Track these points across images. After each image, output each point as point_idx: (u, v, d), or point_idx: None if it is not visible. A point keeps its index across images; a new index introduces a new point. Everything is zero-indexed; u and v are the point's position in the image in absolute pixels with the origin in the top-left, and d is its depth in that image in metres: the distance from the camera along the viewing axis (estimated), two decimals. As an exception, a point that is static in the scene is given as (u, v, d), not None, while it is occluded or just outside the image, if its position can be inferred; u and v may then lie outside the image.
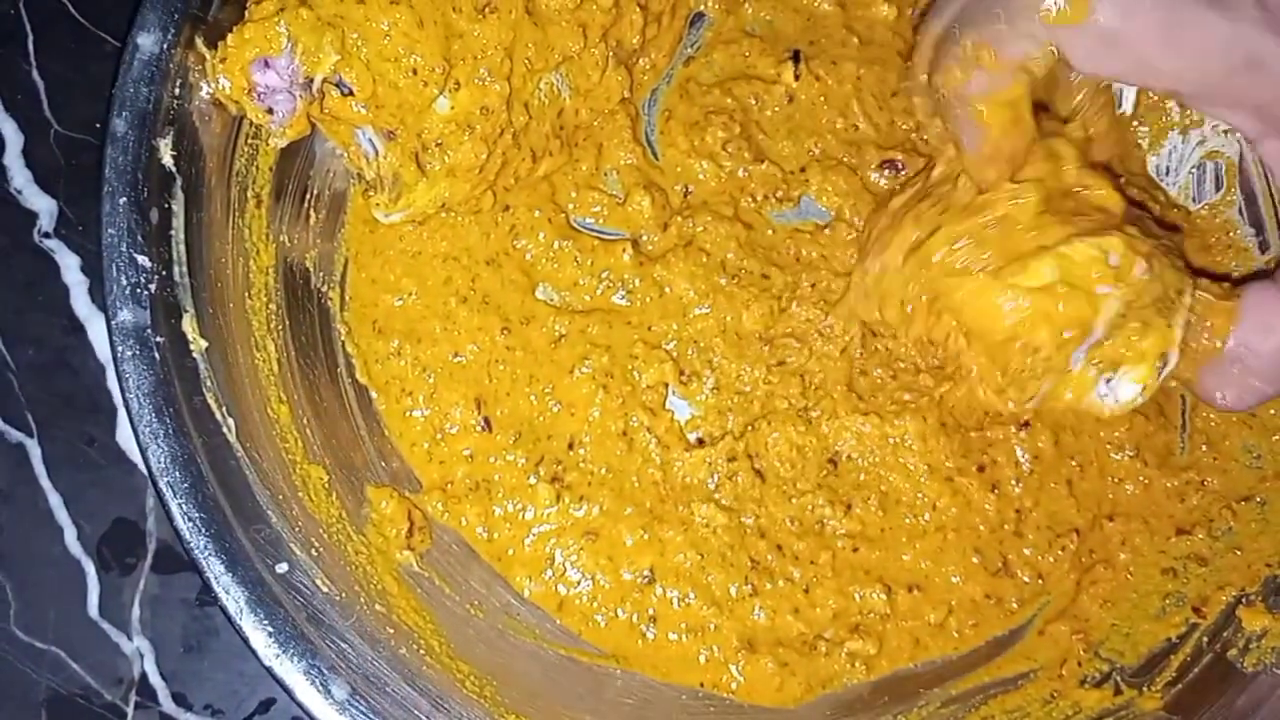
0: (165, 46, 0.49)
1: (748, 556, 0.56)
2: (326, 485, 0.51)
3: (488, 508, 0.56)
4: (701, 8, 0.63)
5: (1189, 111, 0.65)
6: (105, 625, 0.58)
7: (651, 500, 0.57)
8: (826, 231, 0.63)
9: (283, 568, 0.46)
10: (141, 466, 0.47)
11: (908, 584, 0.57)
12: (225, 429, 0.48)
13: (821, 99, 0.64)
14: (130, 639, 0.57)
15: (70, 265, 0.61)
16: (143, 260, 0.48)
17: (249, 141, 0.52)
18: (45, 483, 0.57)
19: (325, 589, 0.47)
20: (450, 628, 0.50)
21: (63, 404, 0.59)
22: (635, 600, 0.55)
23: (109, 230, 0.47)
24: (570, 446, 0.57)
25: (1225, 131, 0.64)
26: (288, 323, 0.54)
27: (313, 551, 0.48)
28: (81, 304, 0.60)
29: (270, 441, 0.50)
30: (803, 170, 0.64)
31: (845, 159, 0.64)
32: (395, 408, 0.57)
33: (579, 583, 0.55)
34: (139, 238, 0.48)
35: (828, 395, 0.60)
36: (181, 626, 0.57)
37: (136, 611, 0.58)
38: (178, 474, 0.46)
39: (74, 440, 0.58)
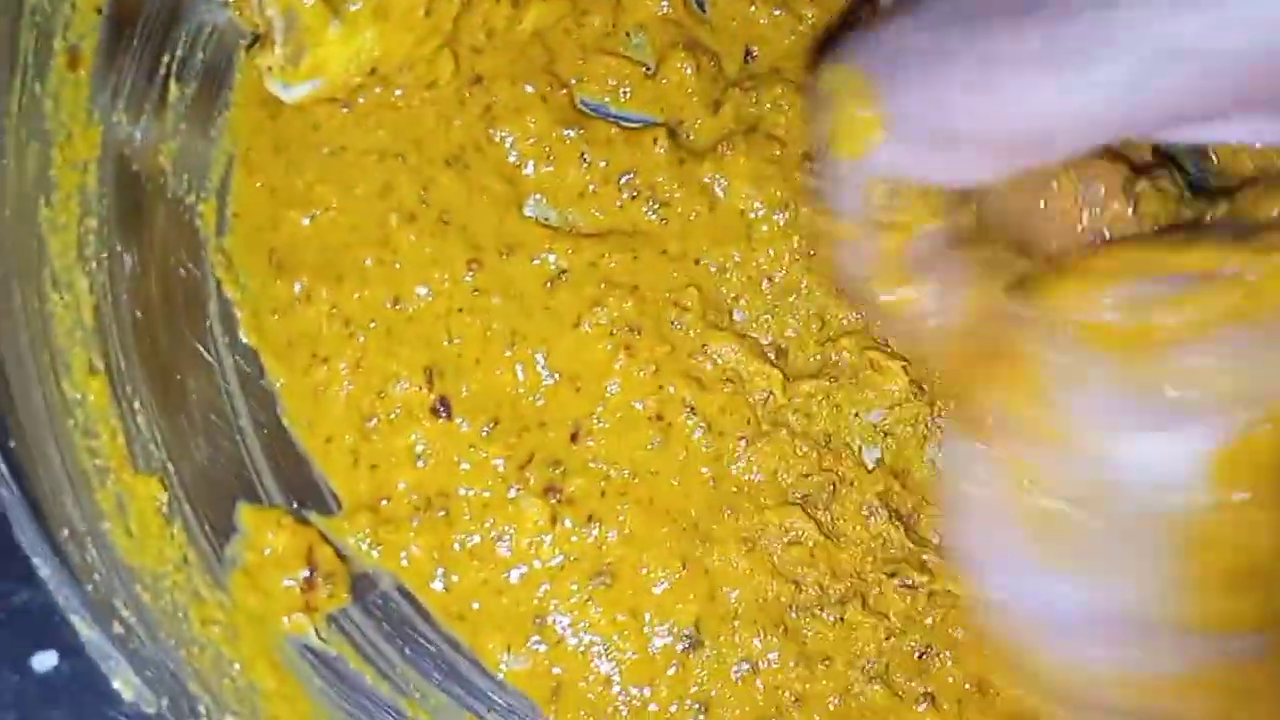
0: None
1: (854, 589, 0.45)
2: (164, 508, 0.37)
3: (445, 538, 0.43)
4: None
5: None
6: None
7: (699, 512, 0.45)
8: None
9: (48, 660, 0.30)
10: None
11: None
12: (-33, 418, 0.32)
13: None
14: None
15: None
16: None
17: (56, -38, 0.38)
18: None
19: (130, 694, 0.32)
20: (367, 748, 0.37)
21: None
22: (673, 681, 0.43)
23: None
24: (574, 438, 0.44)
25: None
26: (119, 250, 0.39)
27: (116, 626, 0.32)
28: None
29: (61, 436, 0.35)
30: None
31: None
32: (302, 382, 0.43)
33: (584, 654, 0.43)
34: None
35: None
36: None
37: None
38: None
39: None
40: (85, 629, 0.31)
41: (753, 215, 0.47)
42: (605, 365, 0.45)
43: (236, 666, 0.36)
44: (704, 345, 0.47)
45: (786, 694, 0.43)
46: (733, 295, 0.47)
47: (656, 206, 0.46)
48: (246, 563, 0.39)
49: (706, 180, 0.46)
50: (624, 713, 0.42)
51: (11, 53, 0.37)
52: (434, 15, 0.43)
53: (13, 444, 0.32)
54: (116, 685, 0.31)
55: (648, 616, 0.44)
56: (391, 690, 0.40)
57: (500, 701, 0.42)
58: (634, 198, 0.47)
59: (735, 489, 0.46)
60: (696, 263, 0.47)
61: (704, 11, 0.50)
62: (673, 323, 0.46)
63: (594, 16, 0.48)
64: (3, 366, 0.34)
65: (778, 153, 0.47)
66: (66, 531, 0.33)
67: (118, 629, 0.32)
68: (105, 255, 0.39)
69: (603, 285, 0.46)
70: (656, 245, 0.46)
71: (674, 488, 0.45)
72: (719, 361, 0.47)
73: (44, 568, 0.31)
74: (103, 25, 0.40)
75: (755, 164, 0.46)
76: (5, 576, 0.30)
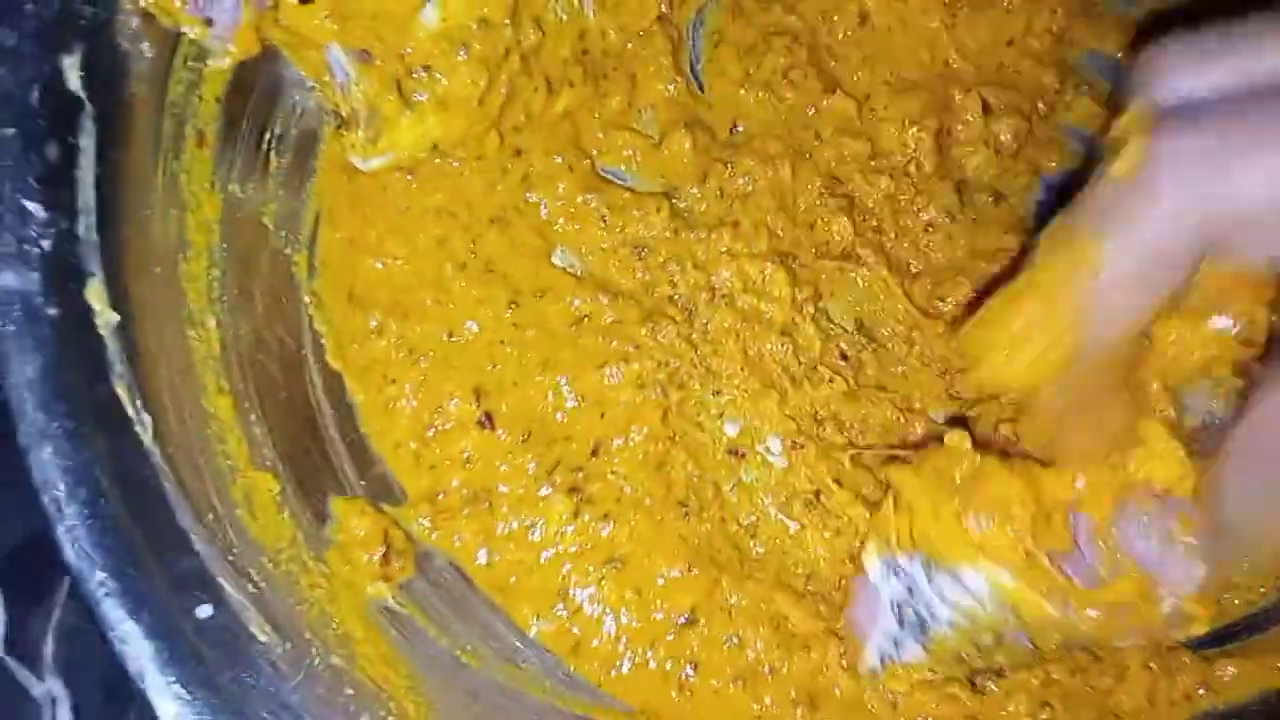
0: (74, -62, 0.39)
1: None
2: (278, 498, 0.42)
3: (488, 525, 0.47)
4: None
5: None
6: (11, 663, 0.48)
7: (702, 541, 0.48)
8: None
9: (206, 610, 0.36)
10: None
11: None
12: (139, 427, 0.38)
13: (901, 23, 0.54)
14: (41, 680, 0.47)
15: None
16: (34, 209, 0.37)
17: (189, 65, 0.43)
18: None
19: (265, 637, 0.37)
20: (433, 683, 0.42)
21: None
22: (670, 644, 0.46)
23: (-10, 170, 0.37)
24: (594, 453, 0.48)
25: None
26: (236, 293, 0.45)
27: (250, 587, 0.38)
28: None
29: (203, 443, 0.40)
30: (867, 98, 0.53)
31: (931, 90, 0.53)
32: (375, 399, 0.48)
33: (598, 620, 0.46)
34: (29, 179, 0.37)
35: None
36: (104, 667, 0.46)
37: (49, 648, 0.48)
38: (68, 486, 0.35)
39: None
40: (230, 588, 0.37)
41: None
42: (622, 393, 0.48)
43: (336, 621, 0.41)
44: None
45: (765, 667, 0.46)
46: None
47: (669, 288, 0.50)
48: (339, 542, 0.43)
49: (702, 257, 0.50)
50: (628, 667, 0.45)
51: (155, 140, 0.42)
52: (485, 104, 0.47)
53: (170, 450, 0.38)
54: (253, 630, 0.37)
55: (652, 598, 0.46)
56: (449, 643, 0.44)
57: (532, 655, 0.45)
58: (647, 278, 0.50)
59: (740, 557, 0.47)
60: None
61: (702, 91, 0.53)
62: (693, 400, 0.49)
63: (612, 98, 0.52)
64: (160, 389, 0.39)
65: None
66: (212, 515, 0.38)
67: (252, 589, 0.38)
68: (226, 298, 0.44)
69: (630, 346, 0.48)
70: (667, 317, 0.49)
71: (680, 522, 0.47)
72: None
73: (198, 543, 0.37)
74: (221, 111, 0.44)
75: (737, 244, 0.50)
76: (175, 549, 0.36)
